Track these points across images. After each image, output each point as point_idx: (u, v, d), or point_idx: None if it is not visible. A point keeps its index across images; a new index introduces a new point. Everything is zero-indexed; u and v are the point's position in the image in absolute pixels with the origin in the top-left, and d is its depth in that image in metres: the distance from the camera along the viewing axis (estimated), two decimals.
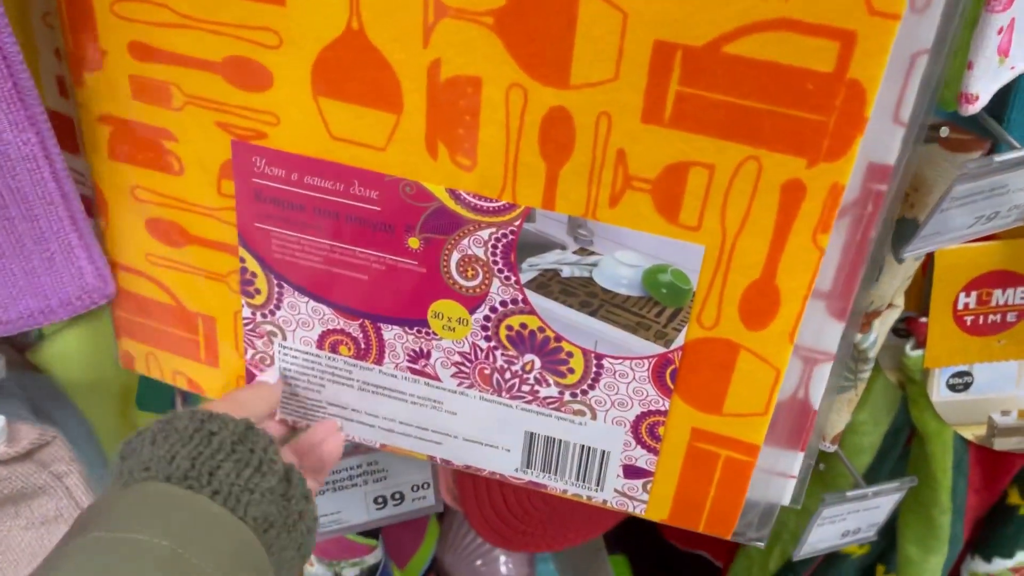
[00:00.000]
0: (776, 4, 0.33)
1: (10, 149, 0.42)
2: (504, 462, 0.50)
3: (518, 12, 0.37)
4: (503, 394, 0.47)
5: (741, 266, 0.40)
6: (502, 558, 0.86)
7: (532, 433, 0.48)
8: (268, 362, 0.51)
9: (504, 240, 0.43)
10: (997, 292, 0.51)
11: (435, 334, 0.47)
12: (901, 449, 0.61)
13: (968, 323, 0.52)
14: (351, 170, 0.43)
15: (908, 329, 0.55)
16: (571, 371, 0.45)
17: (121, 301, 0.53)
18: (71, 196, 0.45)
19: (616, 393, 0.45)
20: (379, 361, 0.49)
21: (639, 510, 0.49)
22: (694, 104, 0.37)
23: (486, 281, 0.44)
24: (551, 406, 0.47)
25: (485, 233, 0.43)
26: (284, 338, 0.50)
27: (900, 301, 0.51)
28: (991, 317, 0.52)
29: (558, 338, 0.45)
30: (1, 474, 0.47)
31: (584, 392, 0.46)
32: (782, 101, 0.35)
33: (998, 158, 0.40)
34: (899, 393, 0.59)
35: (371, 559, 0.70)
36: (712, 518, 0.48)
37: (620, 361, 0.44)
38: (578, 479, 0.49)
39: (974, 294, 0.51)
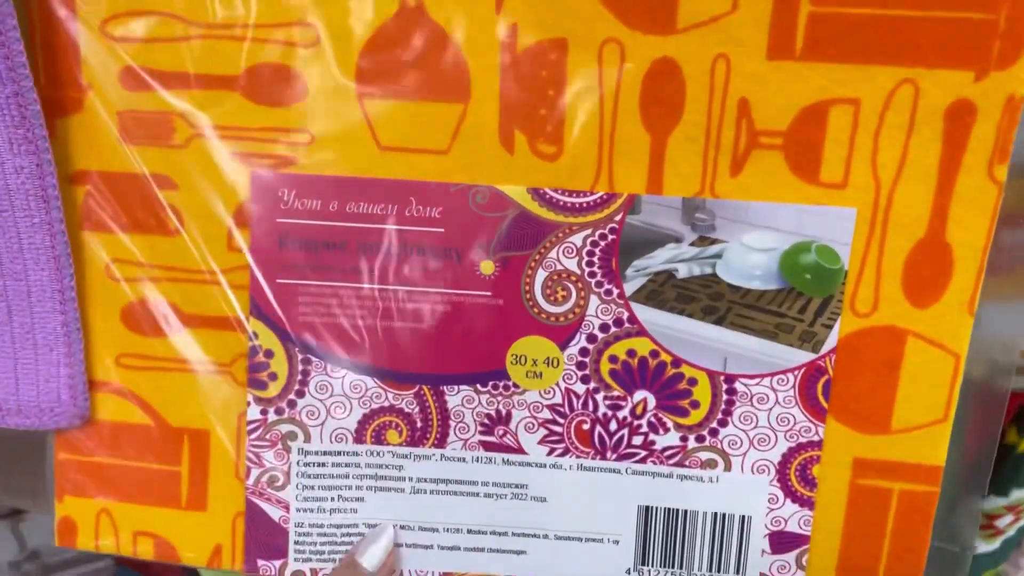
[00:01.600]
0: None
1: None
2: (612, 563, 0.39)
3: None
4: (608, 455, 0.38)
5: (901, 224, 0.33)
6: None
7: (648, 507, 0.38)
8: (280, 483, 0.39)
9: (603, 243, 0.35)
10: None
11: (516, 386, 0.37)
12: None
13: None
14: (406, 185, 0.36)
15: None
16: (695, 405, 0.37)
17: (69, 439, 0.40)
18: (64, 261, 0.35)
19: (755, 427, 0.36)
20: (441, 442, 0.39)
21: None
22: (831, 26, 0.31)
23: (581, 302, 0.36)
24: (672, 460, 0.37)
25: (578, 238, 0.35)
26: (307, 439, 0.39)
27: None
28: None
29: (676, 362, 0.36)
30: None
31: (714, 432, 0.37)
32: (938, 2, 0.31)
33: None
34: None
35: None
36: None
37: (757, 381, 0.36)
38: (711, 568, 0.39)
39: None
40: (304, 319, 0.38)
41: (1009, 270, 0.49)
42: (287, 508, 0.39)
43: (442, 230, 0.36)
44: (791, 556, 0.37)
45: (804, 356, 0.35)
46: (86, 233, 0.38)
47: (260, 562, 0.40)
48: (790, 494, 0.37)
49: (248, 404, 0.39)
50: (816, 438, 0.36)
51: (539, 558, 0.39)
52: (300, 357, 0.38)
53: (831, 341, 0.35)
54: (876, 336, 0.35)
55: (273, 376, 0.38)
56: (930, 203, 0.33)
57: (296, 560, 0.40)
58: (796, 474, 0.37)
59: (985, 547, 0.53)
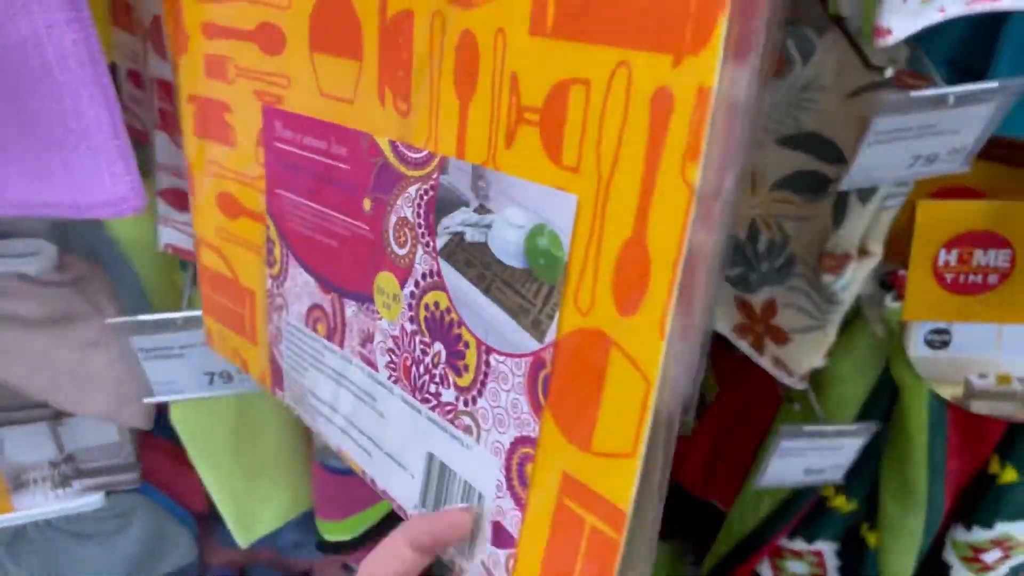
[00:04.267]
0: None
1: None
2: (407, 492, 0.42)
3: None
4: (416, 395, 0.41)
5: (614, 218, 0.31)
6: None
7: (431, 455, 0.40)
8: (279, 340, 0.51)
9: (426, 198, 0.39)
10: (979, 252, 0.51)
11: (378, 313, 0.43)
12: (887, 405, 0.62)
13: (948, 280, 0.53)
14: (330, 127, 0.44)
15: (890, 282, 0.57)
16: (466, 368, 0.38)
17: (206, 278, 0.57)
18: (112, 104, 0.49)
19: (497, 405, 0.36)
20: (341, 342, 0.46)
21: None
22: (571, 2, 0.31)
23: (413, 249, 0.40)
24: (448, 415, 0.39)
25: (413, 190, 0.39)
26: (288, 313, 0.50)
27: (877, 249, 0.51)
28: (971, 277, 0.52)
29: (460, 323, 0.38)
30: (48, 295, 0.53)
31: (473, 400, 0.37)
32: None
33: (914, 94, 0.38)
34: (886, 347, 0.59)
35: None
36: None
37: (503, 359, 0.36)
38: None
39: (955, 252, 0.51)
40: (286, 222, 0.48)
41: (983, 289, 0.51)
42: (282, 358, 0.51)
43: (347, 167, 0.43)
44: (503, 555, 0.36)
45: (532, 343, 0.34)
46: (198, 139, 0.54)
47: (277, 390, 0.53)
48: (510, 487, 0.35)
49: (266, 277, 0.51)
50: (533, 434, 0.34)
51: (376, 465, 0.44)
52: (284, 251, 0.49)
53: (551, 334, 0.33)
54: (589, 338, 0.32)
55: (274, 260, 0.50)
56: (636, 198, 0.30)
57: (286, 397, 0.52)
58: (516, 467, 0.35)
59: None
